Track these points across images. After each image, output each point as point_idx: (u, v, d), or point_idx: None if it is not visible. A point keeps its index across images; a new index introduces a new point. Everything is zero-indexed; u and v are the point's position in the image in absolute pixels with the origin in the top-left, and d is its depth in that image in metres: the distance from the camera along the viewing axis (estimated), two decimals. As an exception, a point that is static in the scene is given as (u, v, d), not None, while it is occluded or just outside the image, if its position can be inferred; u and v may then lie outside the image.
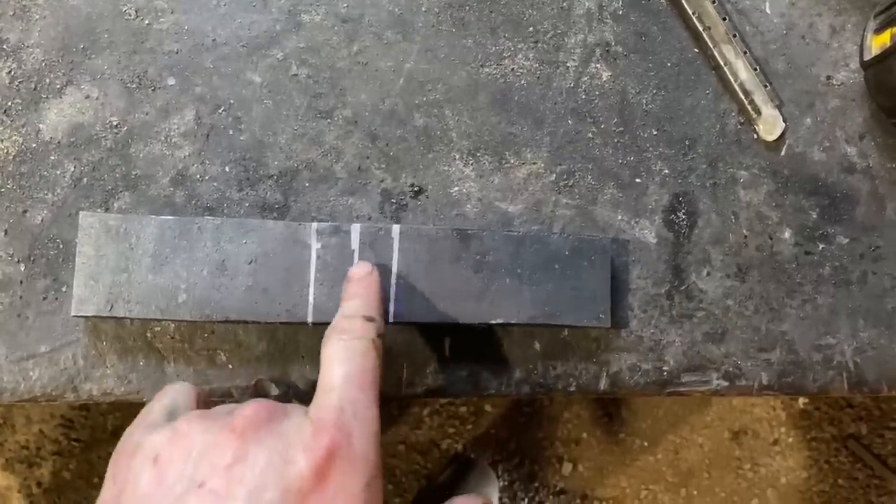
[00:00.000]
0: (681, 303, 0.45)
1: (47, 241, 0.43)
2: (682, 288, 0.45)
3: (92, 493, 1.32)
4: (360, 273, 0.39)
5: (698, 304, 0.45)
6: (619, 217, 0.46)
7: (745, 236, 0.46)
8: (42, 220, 0.43)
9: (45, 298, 0.43)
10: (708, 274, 0.46)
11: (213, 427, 0.31)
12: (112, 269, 0.40)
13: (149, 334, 0.43)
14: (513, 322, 0.41)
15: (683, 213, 0.46)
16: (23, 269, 0.43)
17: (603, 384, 0.45)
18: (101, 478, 1.30)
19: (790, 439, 1.42)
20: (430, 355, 0.44)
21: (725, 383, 0.45)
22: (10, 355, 0.42)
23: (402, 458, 1.39)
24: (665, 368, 0.45)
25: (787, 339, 0.46)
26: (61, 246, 0.43)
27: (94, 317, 0.41)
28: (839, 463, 1.42)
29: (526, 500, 1.40)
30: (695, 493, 1.41)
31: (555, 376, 0.44)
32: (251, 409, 0.32)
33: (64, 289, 0.43)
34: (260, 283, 0.40)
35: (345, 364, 0.33)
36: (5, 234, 0.43)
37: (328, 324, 0.36)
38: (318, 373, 0.34)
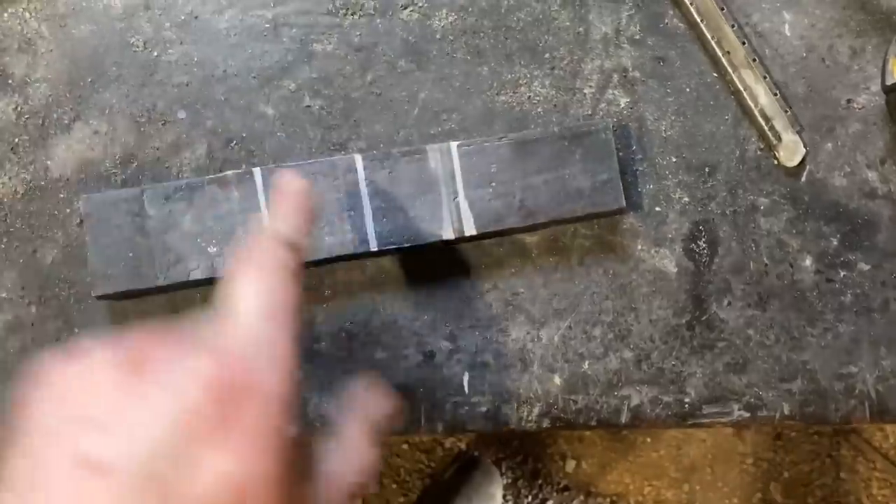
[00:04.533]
0: (701, 333, 0.45)
1: (58, 281, 0.42)
2: (703, 318, 0.45)
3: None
4: (293, 186, 0.35)
5: (719, 334, 0.45)
6: (640, 247, 0.45)
7: (766, 264, 0.45)
8: (52, 260, 0.42)
9: (57, 341, 0.42)
10: (729, 303, 0.45)
11: (114, 359, 0.28)
12: (128, 241, 0.40)
13: (164, 375, 0.42)
14: (521, 225, 0.42)
15: (704, 242, 0.45)
16: (34, 311, 0.42)
17: (624, 418, 0.44)
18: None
19: (792, 434, 1.42)
20: (448, 391, 0.43)
21: (747, 414, 0.45)
22: (23, 399, 0.41)
23: (406, 457, 1.39)
24: (686, 400, 0.44)
25: (808, 368, 0.45)
26: (72, 286, 0.42)
27: (120, 296, 0.41)
28: (841, 457, 1.43)
29: (530, 497, 1.40)
30: (698, 488, 1.42)
31: (575, 410, 0.44)
32: (148, 337, 0.28)
33: (76, 330, 0.42)
34: None
35: (257, 293, 0.30)
36: (16, 274, 0.42)
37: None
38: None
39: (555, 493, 1.40)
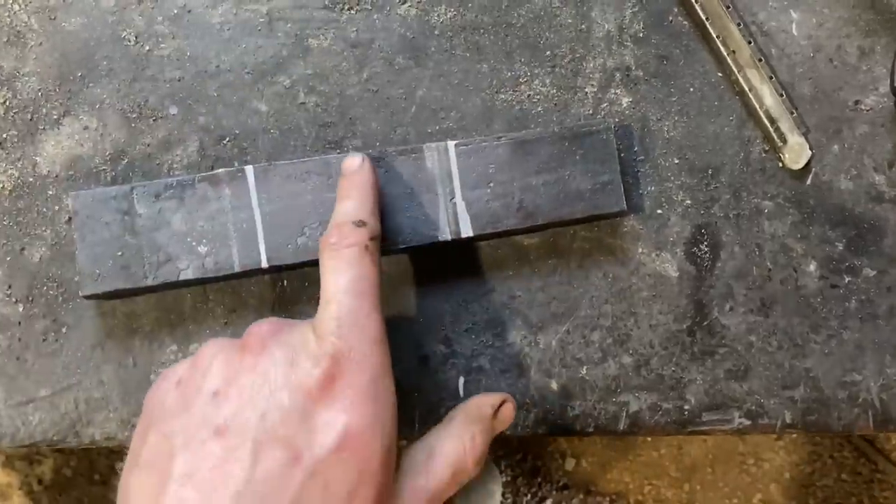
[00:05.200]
0: (702, 339, 0.44)
1: (46, 279, 0.41)
2: (705, 324, 0.44)
3: (93, 490, 1.32)
4: (352, 167, 0.39)
5: (720, 340, 0.44)
6: (640, 250, 0.44)
7: (769, 269, 0.44)
8: (41, 258, 0.41)
9: (44, 340, 0.41)
10: (731, 309, 0.44)
11: (227, 347, 0.33)
12: (117, 239, 0.39)
13: (153, 376, 0.41)
14: (519, 226, 0.42)
15: (706, 246, 0.44)
16: (21, 309, 0.41)
17: (623, 424, 0.43)
18: (102, 475, 1.30)
19: (794, 434, 1.41)
20: (443, 396, 0.43)
21: (748, 422, 0.44)
22: (8, 400, 0.41)
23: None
24: (686, 407, 0.44)
25: (811, 375, 0.44)
26: (60, 285, 0.41)
27: (109, 295, 0.40)
28: (843, 458, 1.42)
29: (529, 495, 1.40)
30: (698, 487, 1.41)
31: (573, 417, 0.43)
32: (257, 327, 0.34)
33: (64, 329, 0.41)
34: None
35: (339, 274, 0.34)
36: (3, 272, 0.41)
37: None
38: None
39: (554, 492, 1.40)
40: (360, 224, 0.36)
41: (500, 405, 0.38)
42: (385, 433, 0.32)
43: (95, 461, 1.33)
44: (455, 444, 0.36)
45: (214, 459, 0.30)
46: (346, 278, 0.34)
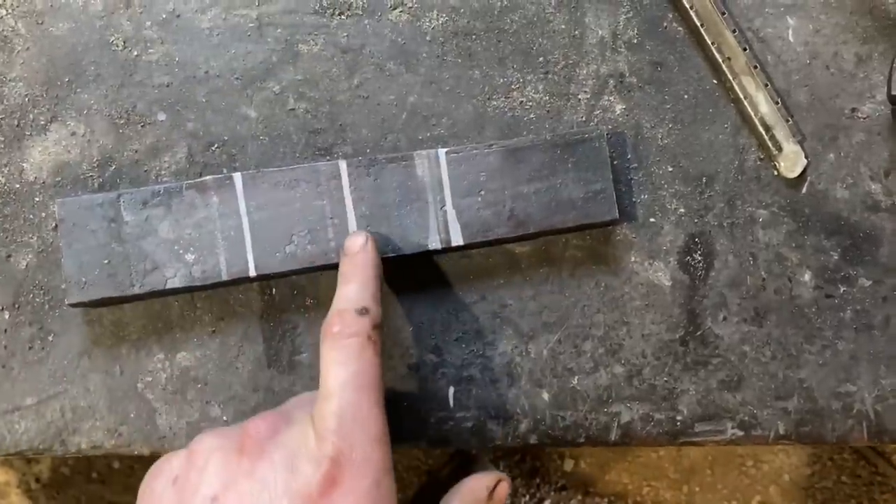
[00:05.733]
0: (695, 349, 0.43)
1: (32, 287, 0.41)
2: (698, 334, 0.43)
3: (90, 488, 1.32)
4: (354, 247, 0.38)
5: (714, 350, 0.44)
6: (633, 259, 0.44)
7: (764, 279, 0.44)
8: (27, 266, 0.41)
9: (30, 348, 0.41)
10: (724, 319, 0.44)
11: (225, 445, 0.32)
12: (103, 247, 0.39)
13: (140, 385, 0.41)
14: (510, 235, 0.41)
15: (699, 255, 0.44)
16: (7, 317, 0.41)
17: (614, 435, 0.43)
18: (100, 473, 1.30)
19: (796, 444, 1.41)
20: (432, 406, 0.42)
21: (741, 433, 0.43)
22: (-6, 408, 0.40)
23: (403, 454, 1.38)
24: (678, 418, 0.43)
25: (805, 386, 0.44)
26: (47, 292, 0.41)
27: (95, 303, 0.40)
28: (842, 460, 1.42)
29: (527, 496, 1.39)
30: (697, 489, 1.40)
31: (563, 427, 0.43)
32: (254, 426, 0.33)
33: (50, 337, 0.41)
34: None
35: (340, 367, 0.33)
36: (-12, 280, 0.41)
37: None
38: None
39: (552, 493, 1.39)
40: (363, 312, 0.35)
41: (496, 485, 0.38)
42: None
43: (93, 460, 1.33)
44: None
45: None
46: (347, 372, 0.33)
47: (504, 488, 0.38)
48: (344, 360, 0.34)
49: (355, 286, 0.36)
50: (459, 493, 0.37)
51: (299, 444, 0.32)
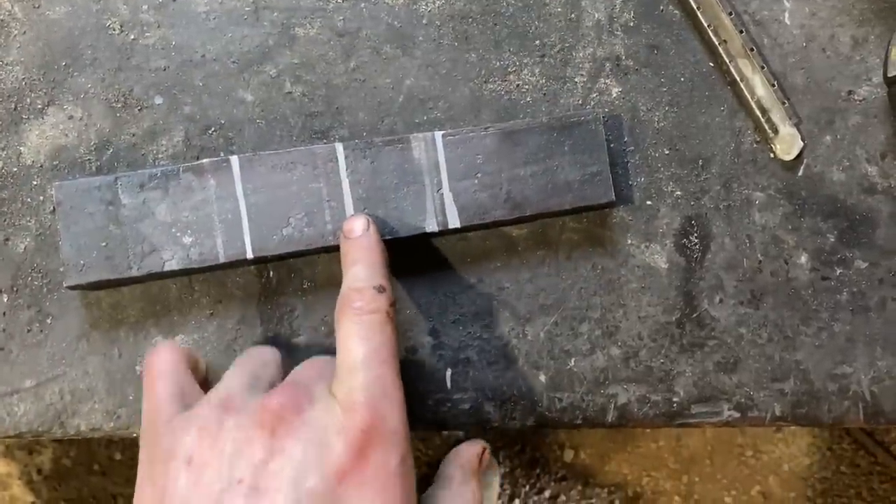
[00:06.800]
0: (692, 331, 0.44)
1: (31, 270, 0.41)
2: (694, 316, 0.44)
3: (92, 479, 1.32)
4: (357, 230, 0.38)
5: (710, 332, 0.44)
6: (630, 241, 0.44)
7: (760, 261, 0.44)
8: (25, 249, 0.41)
9: (29, 331, 0.41)
10: (720, 301, 0.44)
11: (243, 423, 0.31)
12: (101, 230, 0.39)
13: (138, 367, 0.41)
14: (507, 218, 0.41)
15: (696, 237, 0.44)
16: (5, 300, 0.41)
17: (611, 416, 0.43)
18: (101, 465, 1.31)
19: (793, 426, 1.41)
20: (430, 388, 0.42)
21: (737, 414, 0.44)
22: (-7, 390, 0.41)
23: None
24: (675, 399, 0.43)
25: (801, 368, 0.44)
26: (45, 275, 0.41)
27: (93, 286, 0.40)
28: (841, 450, 1.42)
29: (527, 486, 1.40)
30: (697, 479, 1.41)
31: (560, 409, 0.43)
32: (275, 401, 0.32)
33: (49, 320, 0.41)
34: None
35: (363, 342, 0.33)
36: (-13, 263, 0.41)
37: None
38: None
39: (553, 483, 1.40)
40: (381, 290, 0.35)
41: (483, 452, 0.41)
42: None
43: (95, 451, 1.33)
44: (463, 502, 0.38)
45: None
46: (371, 346, 0.33)
47: (487, 454, 0.41)
48: (366, 334, 0.34)
49: (364, 267, 0.36)
50: (459, 464, 0.39)
51: (326, 420, 0.32)
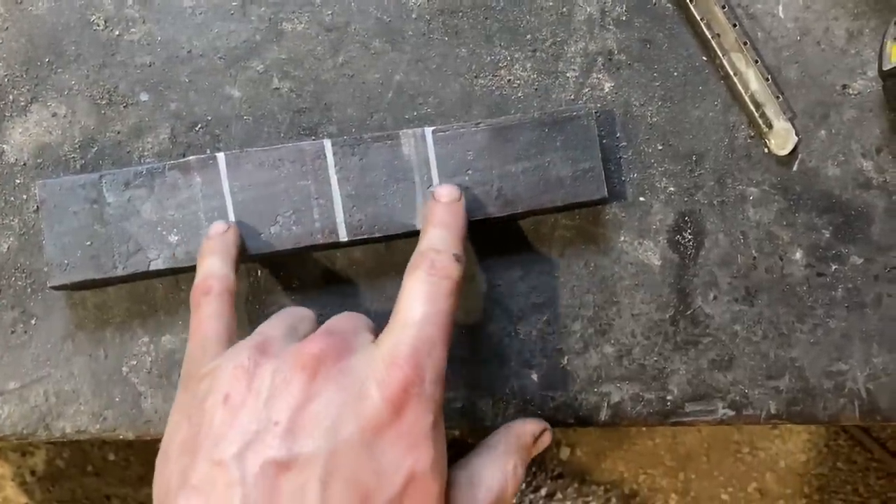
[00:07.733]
0: (686, 328, 0.43)
1: (14, 270, 0.40)
2: (688, 313, 0.43)
3: (85, 480, 1.31)
4: (452, 195, 0.38)
5: (704, 329, 0.43)
6: (622, 238, 0.43)
7: (754, 257, 0.44)
8: (8, 248, 0.40)
9: (13, 332, 0.40)
10: (715, 298, 0.43)
11: (282, 365, 0.31)
12: (86, 229, 0.38)
13: (125, 368, 0.41)
14: (498, 215, 0.41)
15: (689, 234, 0.43)
16: (-11, 300, 0.40)
17: (604, 415, 0.43)
18: (95, 466, 1.30)
19: (787, 423, 1.41)
20: (422, 387, 0.42)
21: (732, 412, 0.43)
22: (-23, 393, 0.40)
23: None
24: (669, 398, 0.43)
25: (796, 365, 0.43)
26: (29, 275, 0.40)
27: (78, 286, 0.39)
28: (838, 446, 1.42)
29: (524, 484, 1.39)
30: (693, 476, 1.40)
31: (553, 408, 0.42)
32: (316, 346, 0.31)
33: (33, 321, 0.40)
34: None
35: (427, 302, 0.33)
36: (-31, 263, 0.40)
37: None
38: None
39: (549, 481, 1.39)
40: (459, 259, 0.35)
41: (541, 434, 0.39)
42: (442, 476, 0.32)
43: (88, 452, 1.32)
44: (498, 474, 0.35)
45: (280, 498, 0.28)
46: (433, 308, 0.33)
47: (547, 438, 0.39)
48: (433, 296, 0.33)
49: (449, 232, 0.36)
50: (507, 436, 0.38)
51: (367, 371, 0.31)
